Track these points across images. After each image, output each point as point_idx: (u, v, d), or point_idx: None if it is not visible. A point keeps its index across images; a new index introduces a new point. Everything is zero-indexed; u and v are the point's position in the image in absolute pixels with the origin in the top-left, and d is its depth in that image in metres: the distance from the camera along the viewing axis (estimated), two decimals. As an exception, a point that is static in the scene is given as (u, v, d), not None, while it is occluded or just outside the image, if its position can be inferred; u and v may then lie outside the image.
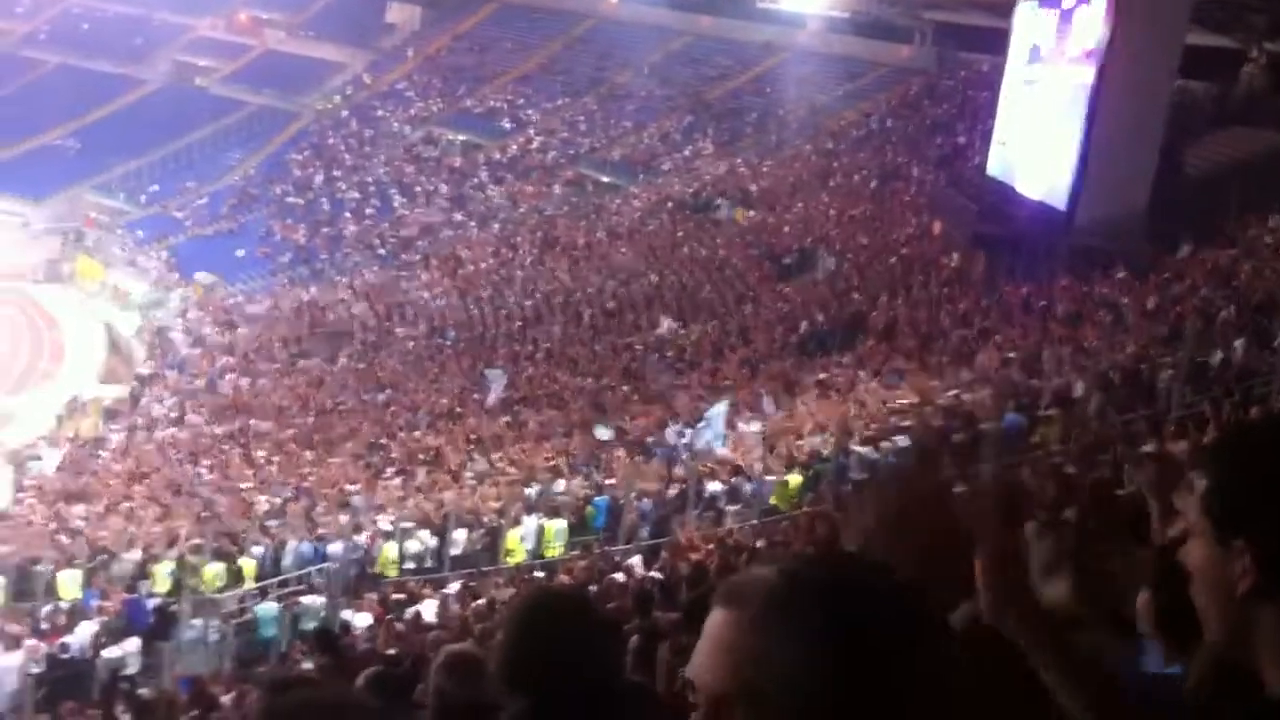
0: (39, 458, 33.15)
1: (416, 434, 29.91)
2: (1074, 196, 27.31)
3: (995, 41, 40.84)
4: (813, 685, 1.30)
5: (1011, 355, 22.07)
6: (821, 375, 26.12)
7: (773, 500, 19.19)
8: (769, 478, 19.50)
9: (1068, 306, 24.59)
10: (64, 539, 24.38)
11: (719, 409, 22.86)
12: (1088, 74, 27.57)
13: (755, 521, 18.34)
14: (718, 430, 22.33)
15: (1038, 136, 30.82)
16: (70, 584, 21.47)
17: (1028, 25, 33.02)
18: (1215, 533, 1.56)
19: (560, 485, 22.48)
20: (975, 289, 28.83)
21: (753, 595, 1.35)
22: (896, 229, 36.43)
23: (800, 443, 20.86)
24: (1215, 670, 1.97)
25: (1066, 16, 29.72)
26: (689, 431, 23.54)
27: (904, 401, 21.49)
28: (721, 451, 21.93)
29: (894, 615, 1.34)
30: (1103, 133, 26.62)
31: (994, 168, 34.15)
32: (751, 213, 42.40)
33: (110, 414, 37.56)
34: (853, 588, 1.35)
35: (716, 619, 1.38)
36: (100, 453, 33.30)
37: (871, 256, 34.45)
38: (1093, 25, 27.71)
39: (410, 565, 20.95)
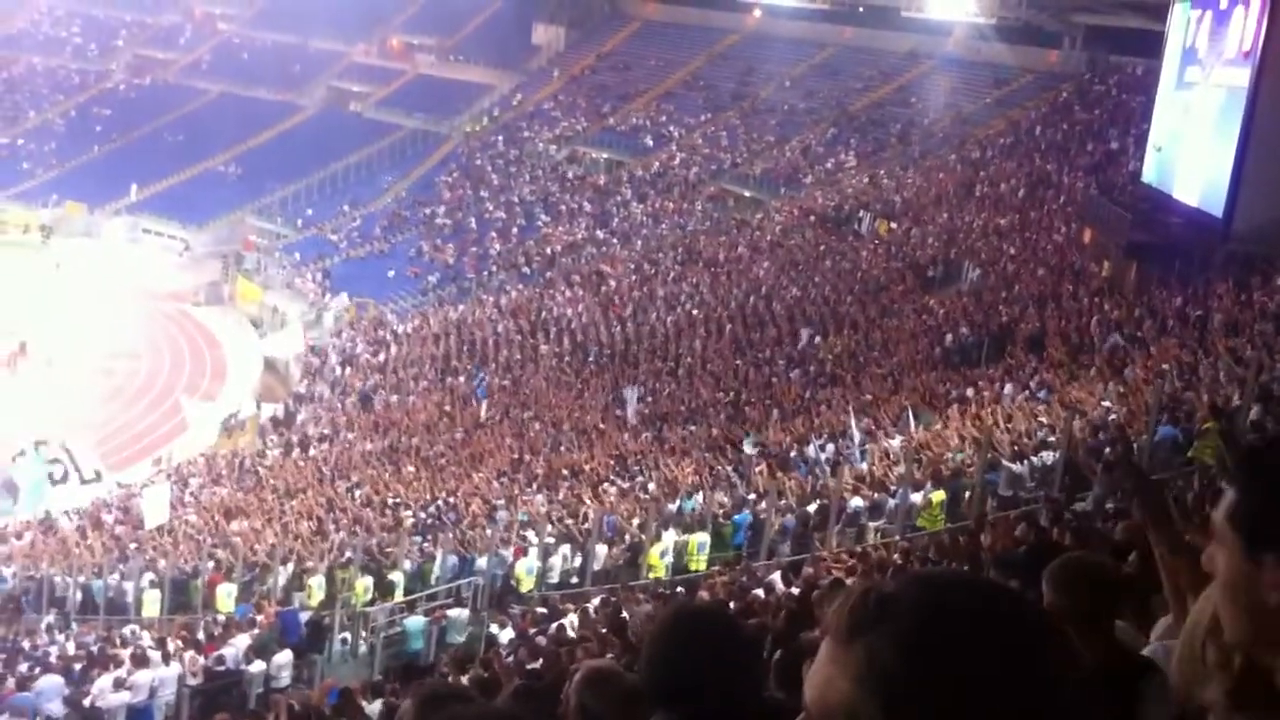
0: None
1: (561, 449, 30.22)
2: (1231, 202, 26.38)
3: (1148, 44, 39.75)
4: (903, 708, 1.27)
5: (1165, 366, 21.39)
6: (967, 389, 25.67)
7: (918, 521, 18.87)
8: (913, 493, 19.21)
9: (1225, 315, 23.75)
10: (221, 553, 25.17)
11: (853, 424, 22.70)
12: (1244, 75, 26.64)
13: (898, 538, 18.08)
14: (856, 443, 22.17)
15: (1193, 141, 29.89)
16: (226, 597, 22.19)
17: (1182, 27, 32.05)
18: (1244, 546, 1.54)
19: (700, 500, 22.45)
20: (1128, 299, 28.05)
21: (842, 618, 1.34)
22: (1045, 238, 35.67)
23: (945, 457, 20.52)
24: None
25: (1222, 18, 28.76)
26: (830, 446, 23.37)
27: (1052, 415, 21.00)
28: (863, 466, 21.70)
29: (988, 636, 1.28)
30: (1260, 136, 25.65)
31: (1149, 174, 33.18)
32: (894, 225, 41.91)
33: (266, 431, 38.69)
34: (942, 608, 1.30)
35: (821, 647, 1.37)
36: (257, 469, 34.32)
37: (1018, 267, 33.78)
38: (1249, 25, 26.77)
39: (553, 580, 21.15)
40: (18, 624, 24.13)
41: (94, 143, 71.28)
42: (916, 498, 19.03)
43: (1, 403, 41.00)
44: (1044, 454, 18.45)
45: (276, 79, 74.52)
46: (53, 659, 19.47)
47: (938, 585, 1.33)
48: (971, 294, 33.34)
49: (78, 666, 18.54)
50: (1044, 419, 20.80)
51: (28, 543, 29.71)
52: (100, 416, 41.40)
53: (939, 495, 18.81)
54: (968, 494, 18.67)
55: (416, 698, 3.77)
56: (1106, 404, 20.15)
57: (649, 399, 32.59)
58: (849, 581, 13.24)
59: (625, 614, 16.01)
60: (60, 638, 21.77)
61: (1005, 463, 18.49)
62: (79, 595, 24.85)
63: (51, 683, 17.39)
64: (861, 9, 63.65)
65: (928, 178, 46.21)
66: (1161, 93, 33.00)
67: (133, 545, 27.54)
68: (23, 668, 19.21)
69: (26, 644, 21.59)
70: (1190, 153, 29.97)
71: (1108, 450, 17.18)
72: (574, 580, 21.26)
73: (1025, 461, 18.42)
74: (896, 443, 22.72)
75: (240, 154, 68.58)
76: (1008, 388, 24.57)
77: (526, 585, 20.89)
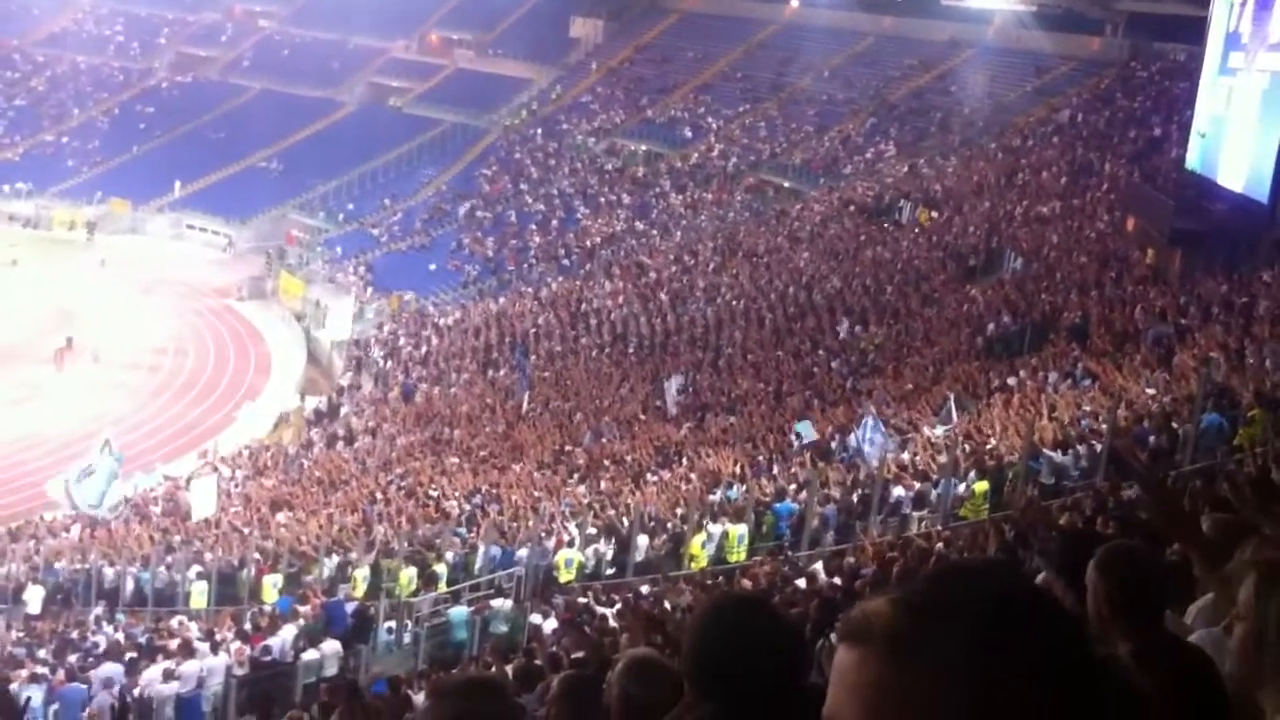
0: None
1: (602, 439, 30.29)
2: (1276, 187, 26.03)
3: (1191, 30, 39.38)
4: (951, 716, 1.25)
5: (1211, 354, 21.19)
6: (1009, 378, 25.52)
7: (961, 511, 18.78)
8: (956, 483, 19.14)
9: (1270, 302, 23.49)
10: (267, 544, 25.39)
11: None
12: (1290, 59, 26.31)
13: (941, 527, 18.02)
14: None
15: (1238, 127, 29.55)
16: (272, 588, 22.39)
17: (1225, 12, 31.66)
18: None
19: (741, 490, 22.44)
20: (1172, 286, 27.79)
21: (874, 631, 1.30)
22: (1088, 226, 35.39)
23: (987, 446, 20.42)
24: None
25: (1265, 2, 28.36)
26: (874, 437, 23.31)
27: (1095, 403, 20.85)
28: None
29: (1026, 635, 1.26)
30: (1306, 120, 25.36)
31: (1193, 160, 32.80)
32: (935, 214, 41.69)
33: (310, 424, 38.97)
34: (977, 612, 1.27)
35: (842, 657, 1.32)
36: (301, 461, 34.58)
37: (1061, 255, 33.53)
38: (1294, 8, 26.43)
39: (594, 570, 21.20)
40: (67, 616, 24.45)
41: (137, 140, 71.96)
42: (960, 488, 18.96)
43: (49, 399, 41.55)
44: (1091, 442, 18.32)
45: (317, 76, 74.98)
46: (101, 650, 19.71)
47: (973, 595, 1.29)
48: (1013, 283, 33.14)
49: (127, 657, 18.76)
50: (1087, 407, 20.65)
51: (76, 536, 30.06)
52: (146, 412, 41.85)
53: (982, 485, 18.74)
54: (1008, 483, 18.59)
55: (434, 692, 3.82)
56: (1151, 392, 20.01)
57: (689, 389, 32.59)
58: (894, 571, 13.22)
59: (667, 604, 16.06)
60: (109, 629, 22.03)
61: (1047, 451, 18.39)
62: (129, 587, 25.14)
63: (114, 670, 17.63)
64: (900, -3, 63.39)
65: (968, 166, 45.95)
66: (1204, 79, 32.62)
67: (177, 538, 27.83)
68: (72, 659, 19.47)
69: (75, 635, 21.87)
70: (1235, 138, 29.62)
71: (1152, 439, 17.08)
72: (609, 571, 21.27)
73: (1070, 450, 18.32)
74: (939, 432, 22.63)
75: (282, 150, 69.09)
76: (1051, 376, 24.42)
77: (566, 576, 20.96)
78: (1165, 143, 39.90)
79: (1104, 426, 18.10)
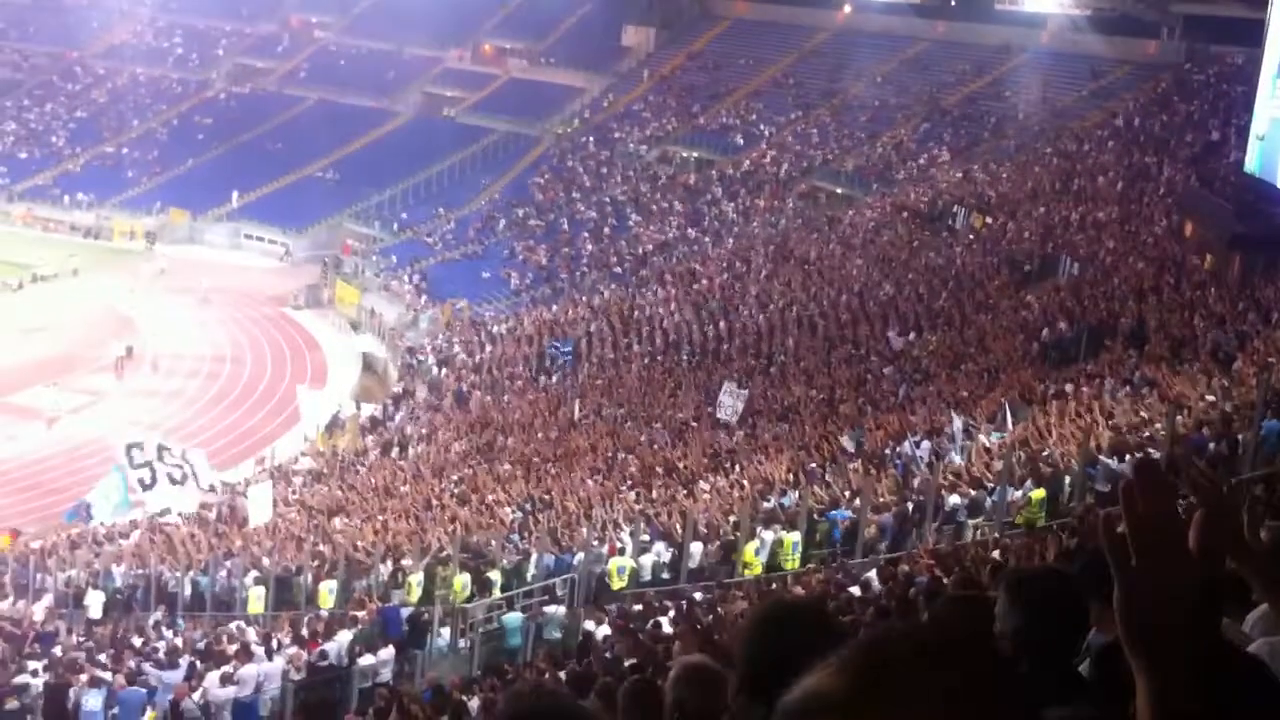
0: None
1: (655, 447, 30.29)
2: (1338, 191, 25.72)
3: (1249, 32, 38.87)
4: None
5: (1271, 360, 20.92)
6: (1065, 384, 25.29)
7: (1017, 519, 18.61)
8: (1011, 491, 18.98)
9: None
10: (324, 550, 25.60)
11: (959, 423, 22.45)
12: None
13: (997, 535, 17.89)
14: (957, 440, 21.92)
15: (1298, 129, 29.18)
16: (329, 593, 22.57)
17: (1284, 13, 31.28)
18: None
19: (795, 498, 22.36)
20: (1231, 291, 27.45)
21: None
22: (1145, 231, 35.03)
23: (1044, 454, 20.23)
24: None
25: (1327, 2, 28.06)
26: (926, 444, 23.17)
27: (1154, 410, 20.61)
28: (960, 462, 21.48)
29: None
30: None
31: (1252, 164, 32.41)
32: (989, 220, 41.39)
33: (365, 430, 39.25)
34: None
35: None
36: (357, 468, 34.82)
37: (1117, 260, 33.20)
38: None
39: (646, 578, 21.20)
40: (127, 620, 24.77)
41: (195, 151, 72.87)
42: (1016, 495, 18.80)
43: (110, 407, 42.15)
44: (1149, 450, 18.11)
45: (372, 86, 75.60)
46: (161, 654, 19.96)
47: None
48: (1069, 288, 32.85)
49: (186, 661, 18.98)
50: (1145, 414, 20.43)
51: (135, 541, 30.46)
52: (205, 419, 42.35)
53: (1038, 493, 18.57)
54: (1066, 490, 18.42)
55: (507, 696, 3.85)
56: (1210, 398, 19.77)
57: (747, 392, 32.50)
58: (946, 581, 13.13)
59: (720, 611, 16.05)
60: (168, 633, 22.30)
61: (1103, 459, 18.20)
62: (187, 592, 25.44)
63: (173, 674, 17.87)
64: (953, 2, 63.03)
65: (1023, 171, 45.59)
66: (1263, 81, 32.23)
67: (236, 543, 28.12)
68: (131, 663, 19.72)
69: (137, 640, 22.16)
70: (1295, 141, 29.26)
71: (1212, 446, 16.87)
72: (664, 576, 21.26)
73: (1127, 458, 18.09)
74: (995, 439, 22.46)
75: (337, 160, 69.71)
76: (1108, 383, 24.17)
77: (619, 584, 20.98)
78: (1223, 146, 39.45)
79: (1162, 434, 17.90)
